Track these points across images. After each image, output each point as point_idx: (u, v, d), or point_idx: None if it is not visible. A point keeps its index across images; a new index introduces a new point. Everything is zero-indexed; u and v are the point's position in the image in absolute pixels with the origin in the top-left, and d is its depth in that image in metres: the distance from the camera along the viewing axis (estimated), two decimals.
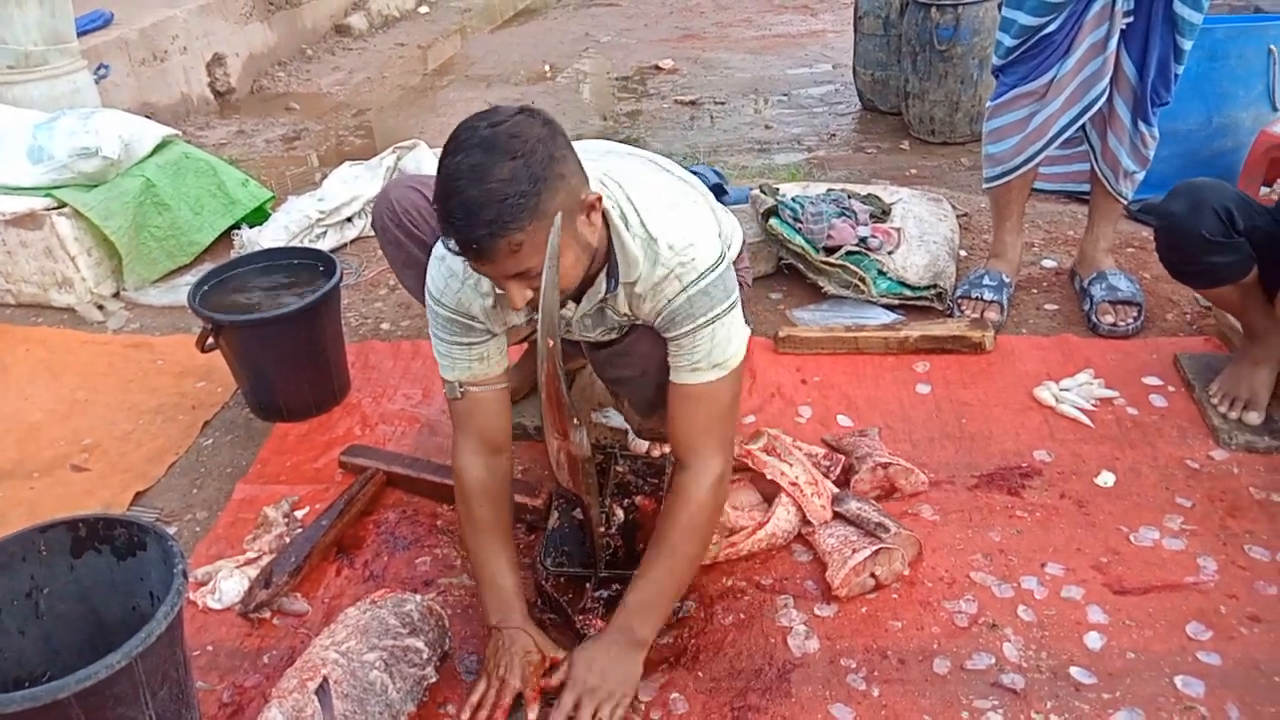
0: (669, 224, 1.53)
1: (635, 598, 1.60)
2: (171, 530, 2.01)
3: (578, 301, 1.61)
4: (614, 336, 1.71)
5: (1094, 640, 1.65)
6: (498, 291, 1.55)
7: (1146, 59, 2.31)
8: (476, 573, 1.70)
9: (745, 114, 5.07)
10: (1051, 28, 2.29)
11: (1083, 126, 2.45)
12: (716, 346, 1.56)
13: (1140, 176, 2.50)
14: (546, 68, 6.09)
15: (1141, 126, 2.40)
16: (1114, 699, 1.55)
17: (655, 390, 1.71)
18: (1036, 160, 2.47)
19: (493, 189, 1.30)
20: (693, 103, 5.27)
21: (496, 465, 1.72)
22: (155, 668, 1.40)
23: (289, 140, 5.06)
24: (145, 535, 1.55)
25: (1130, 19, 2.28)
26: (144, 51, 4.99)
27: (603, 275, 1.57)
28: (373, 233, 3.19)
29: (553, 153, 1.35)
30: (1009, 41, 2.37)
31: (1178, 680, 1.57)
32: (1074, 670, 1.60)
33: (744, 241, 1.88)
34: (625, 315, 1.63)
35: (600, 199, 1.45)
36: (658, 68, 5.93)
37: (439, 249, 1.61)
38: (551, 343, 1.36)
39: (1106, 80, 2.32)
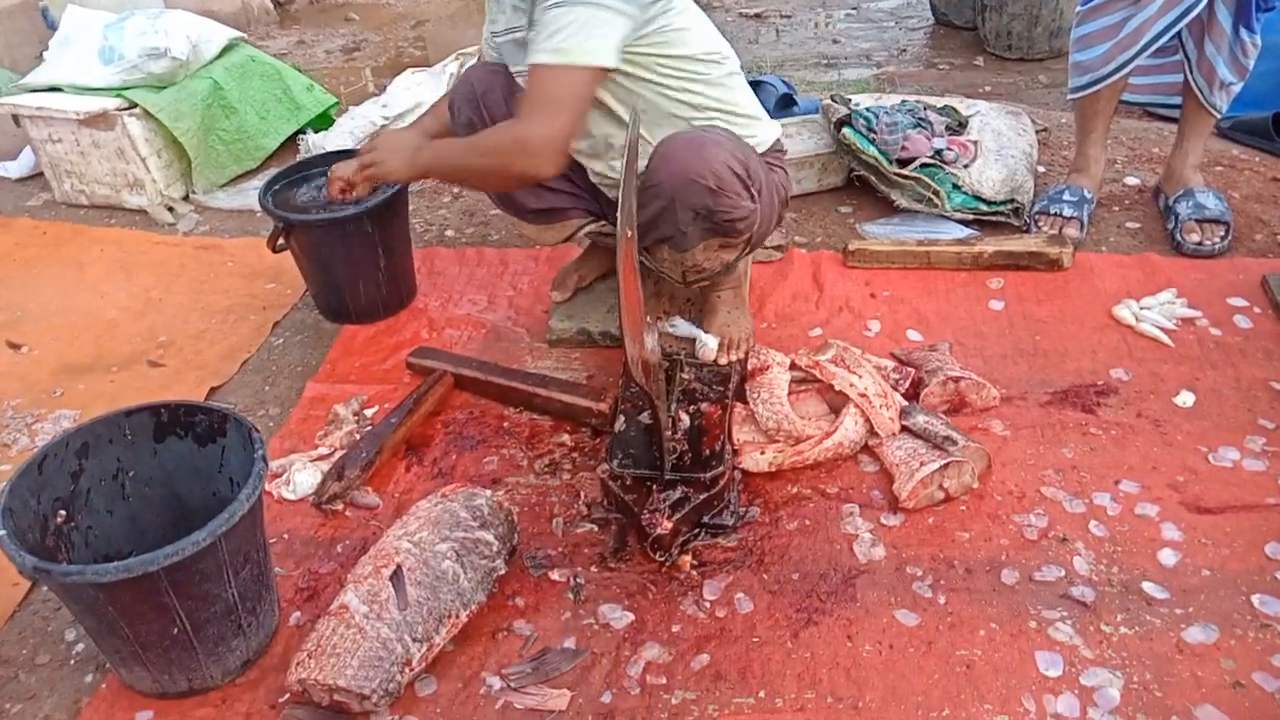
0: None
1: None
2: None
3: None
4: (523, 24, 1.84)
5: (1168, 557, 1.62)
6: None
7: None
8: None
9: (812, 28, 4.91)
10: None
11: (1178, 34, 2.32)
12: (558, 32, 1.66)
13: (1237, 89, 2.37)
14: None
15: (1243, 34, 2.26)
16: (1187, 614, 1.53)
17: (690, 218, 1.77)
18: (1127, 69, 2.35)
19: None
20: (758, 16, 5.11)
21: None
22: (238, 548, 1.45)
23: (349, 51, 5.02)
24: (225, 422, 1.59)
25: None
26: None
27: None
28: None
29: None
30: None
31: (1255, 599, 1.54)
32: (1146, 585, 1.58)
33: (779, 141, 2.03)
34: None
35: None
36: None
37: None
38: (630, 233, 1.34)
39: None
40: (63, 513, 1.52)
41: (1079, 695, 1.42)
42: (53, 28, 3.91)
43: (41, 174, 3.07)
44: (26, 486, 1.46)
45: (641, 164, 1.93)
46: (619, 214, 1.34)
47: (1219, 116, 2.44)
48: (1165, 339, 2.11)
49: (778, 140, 2.04)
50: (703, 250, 1.89)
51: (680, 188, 1.73)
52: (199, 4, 4.84)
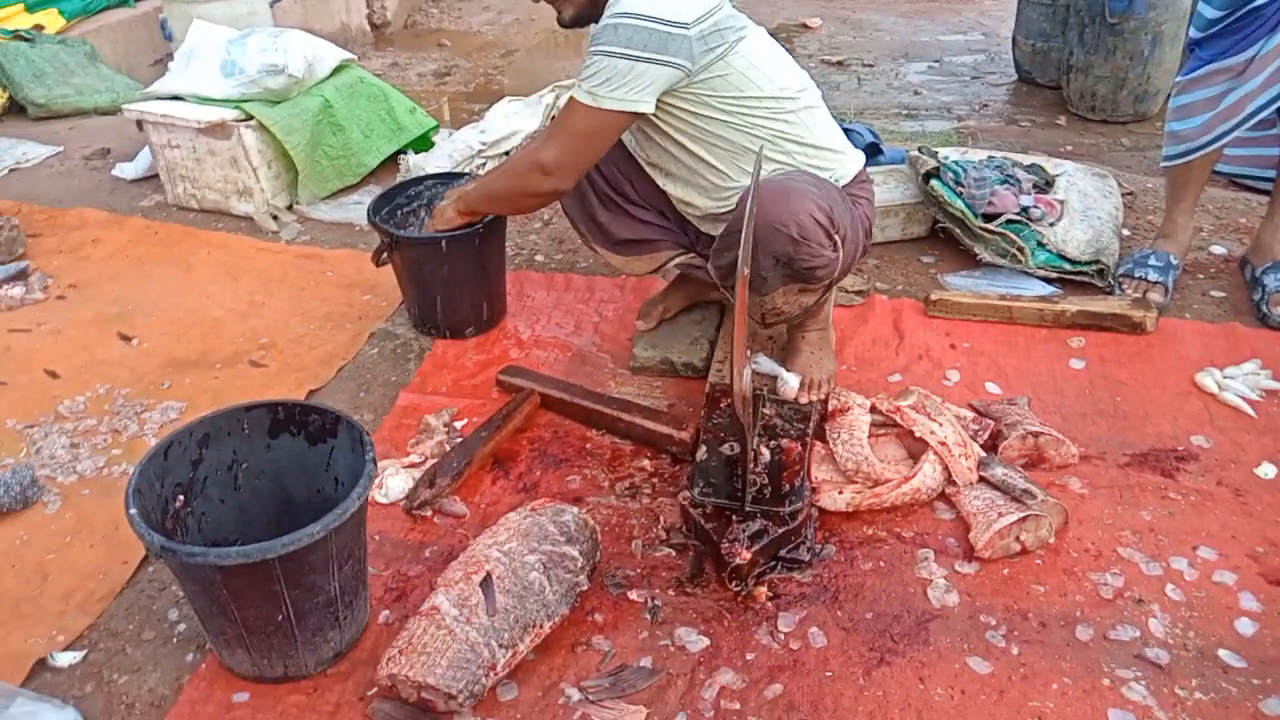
0: None
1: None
2: None
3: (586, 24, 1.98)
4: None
5: (1246, 626, 1.63)
6: None
7: None
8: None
9: (893, 78, 4.98)
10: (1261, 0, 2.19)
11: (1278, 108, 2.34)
12: (596, 75, 1.83)
13: None
14: None
15: None
16: (1264, 685, 1.53)
17: (770, 263, 1.85)
18: (1224, 141, 2.37)
19: None
20: (840, 63, 5.20)
21: None
22: (344, 544, 1.52)
23: (440, 75, 5.20)
24: (337, 424, 1.67)
25: None
26: None
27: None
28: None
29: None
30: (1211, 13, 2.27)
31: None
32: (1223, 653, 1.58)
33: (863, 172, 2.08)
34: None
35: None
36: (805, 26, 5.85)
37: None
38: (746, 272, 1.40)
39: None
40: (181, 498, 1.61)
41: None
42: (170, 39, 4.13)
43: (155, 176, 3.24)
44: (153, 470, 1.56)
45: (709, 201, 2.04)
46: (740, 252, 1.41)
47: None
48: (1248, 409, 2.11)
49: (861, 171, 2.08)
50: (782, 294, 1.94)
51: (763, 234, 1.76)
52: (301, 23, 5.06)
